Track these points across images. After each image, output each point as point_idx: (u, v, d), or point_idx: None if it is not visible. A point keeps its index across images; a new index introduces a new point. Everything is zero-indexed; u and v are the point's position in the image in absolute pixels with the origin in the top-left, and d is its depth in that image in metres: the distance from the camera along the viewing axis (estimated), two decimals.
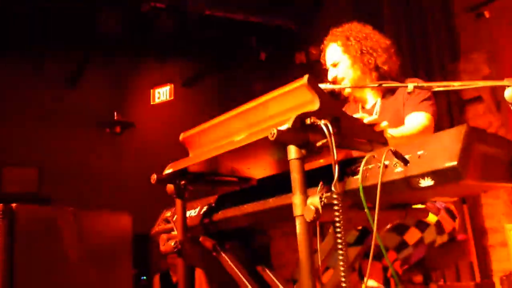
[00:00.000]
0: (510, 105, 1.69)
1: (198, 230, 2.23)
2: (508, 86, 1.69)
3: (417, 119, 2.40)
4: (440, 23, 5.15)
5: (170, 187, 2.07)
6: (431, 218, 2.30)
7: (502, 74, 4.67)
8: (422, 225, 2.26)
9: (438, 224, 2.30)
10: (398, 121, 2.41)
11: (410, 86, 1.97)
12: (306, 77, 1.68)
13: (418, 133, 2.33)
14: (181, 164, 2.01)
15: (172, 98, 6.84)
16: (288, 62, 6.08)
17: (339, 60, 2.61)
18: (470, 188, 1.70)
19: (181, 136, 2.16)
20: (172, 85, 6.83)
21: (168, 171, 2.03)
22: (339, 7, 5.73)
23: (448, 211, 2.38)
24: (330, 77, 2.62)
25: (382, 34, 2.66)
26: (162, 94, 6.96)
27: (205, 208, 2.21)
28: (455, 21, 5.14)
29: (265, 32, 6.08)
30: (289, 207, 1.59)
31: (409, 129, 2.34)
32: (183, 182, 2.05)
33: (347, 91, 2.63)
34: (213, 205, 2.19)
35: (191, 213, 2.25)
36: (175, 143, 2.30)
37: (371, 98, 2.68)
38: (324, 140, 1.55)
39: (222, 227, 2.14)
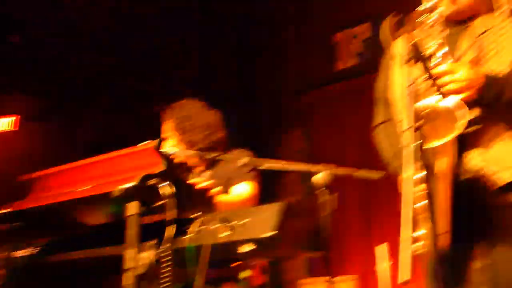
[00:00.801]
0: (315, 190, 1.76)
1: (26, 271, 2.07)
2: (321, 171, 1.82)
3: (244, 189, 2.54)
4: (267, 101, 5.58)
5: (3, 227, 1.92)
6: (245, 273, 2.42)
7: (315, 150, 5.18)
8: (236, 280, 2.36)
9: (249, 279, 2.43)
10: (227, 189, 2.52)
11: (240, 161, 2.11)
12: (156, 141, 1.71)
13: (245, 201, 2.47)
14: (17, 206, 1.89)
15: (15, 129, 6.27)
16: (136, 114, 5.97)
17: (169, 136, 2.72)
18: (282, 253, 1.84)
19: (21, 177, 2.03)
20: (16, 118, 6.27)
21: (3, 211, 1.88)
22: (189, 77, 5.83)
23: (260, 268, 2.53)
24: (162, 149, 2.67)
25: (212, 110, 2.78)
26: (3, 125, 6.35)
27: (36, 250, 2.07)
28: (280, 100, 5.56)
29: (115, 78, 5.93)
30: (121, 258, 1.57)
31: (237, 197, 2.46)
32: (17, 223, 1.92)
33: (180, 159, 2.70)
34: (45, 247, 2.06)
35: (21, 253, 2.09)
36: (14, 180, 2.14)
37: (202, 166, 2.77)
38: (163, 201, 1.58)
39: (52, 269, 2.02)
